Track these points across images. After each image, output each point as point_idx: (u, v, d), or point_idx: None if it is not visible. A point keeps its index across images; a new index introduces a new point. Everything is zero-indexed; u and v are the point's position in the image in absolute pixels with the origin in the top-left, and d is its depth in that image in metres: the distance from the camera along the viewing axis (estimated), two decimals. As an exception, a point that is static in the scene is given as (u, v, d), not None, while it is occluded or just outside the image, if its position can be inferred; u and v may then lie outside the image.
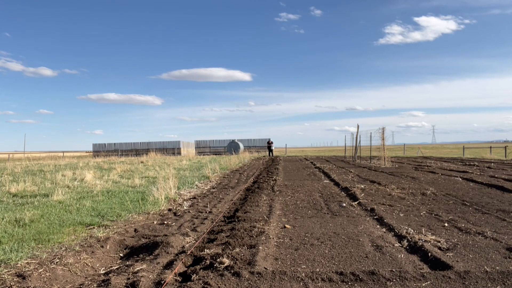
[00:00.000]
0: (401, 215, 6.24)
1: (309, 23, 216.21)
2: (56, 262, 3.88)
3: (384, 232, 5.08)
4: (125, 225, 5.76)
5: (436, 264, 3.73)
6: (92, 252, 4.33)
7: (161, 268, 3.78)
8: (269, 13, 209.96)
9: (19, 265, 3.80)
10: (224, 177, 14.08)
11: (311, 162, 23.02)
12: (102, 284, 3.41)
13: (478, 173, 13.25)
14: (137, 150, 48.09)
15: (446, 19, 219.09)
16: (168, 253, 4.26)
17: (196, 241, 4.74)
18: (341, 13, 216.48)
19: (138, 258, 4.19)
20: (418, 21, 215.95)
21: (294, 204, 7.48)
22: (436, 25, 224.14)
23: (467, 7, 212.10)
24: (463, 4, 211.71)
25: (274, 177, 12.94)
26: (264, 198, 8.09)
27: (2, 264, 3.80)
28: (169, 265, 3.85)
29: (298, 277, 3.38)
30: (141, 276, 3.45)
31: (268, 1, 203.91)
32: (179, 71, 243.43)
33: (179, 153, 46.46)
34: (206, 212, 6.88)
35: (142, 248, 4.58)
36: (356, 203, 7.37)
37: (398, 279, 3.31)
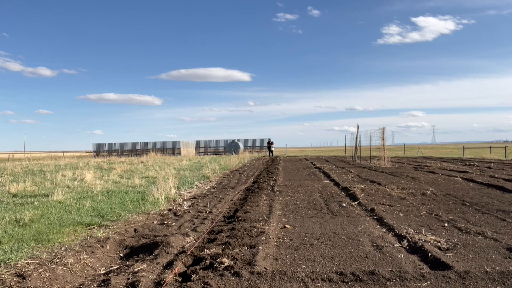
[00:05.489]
0: (401, 215, 6.24)
1: (307, 23, 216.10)
2: (56, 262, 3.88)
3: (384, 232, 5.09)
4: (125, 225, 5.76)
5: (436, 264, 3.73)
6: (92, 252, 4.33)
7: (161, 268, 3.78)
8: (267, 13, 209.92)
9: (19, 265, 3.80)
10: (224, 177, 14.08)
11: (311, 162, 23.02)
12: (102, 284, 3.41)
13: (478, 173, 13.25)
14: (137, 150, 48.09)
15: (444, 19, 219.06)
16: (168, 253, 4.26)
17: (196, 241, 4.74)
18: (339, 14, 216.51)
19: (138, 258, 4.19)
20: (416, 21, 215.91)
21: (294, 204, 7.48)
22: (434, 25, 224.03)
23: (463, 8, 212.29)
24: (459, 5, 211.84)
25: (274, 177, 12.94)
26: (264, 198, 8.08)
27: (2, 264, 3.80)
28: (169, 265, 3.85)
29: (298, 277, 3.38)
30: (141, 276, 3.45)
31: (266, 1, 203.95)
32: (178, 71, 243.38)
33: (179, 153, 46.46)
34: (206, 212, 6.88)
35: (142, 248, 4.58)
36: (356, 203, 7.37)
37: (398, 279, 3.31)
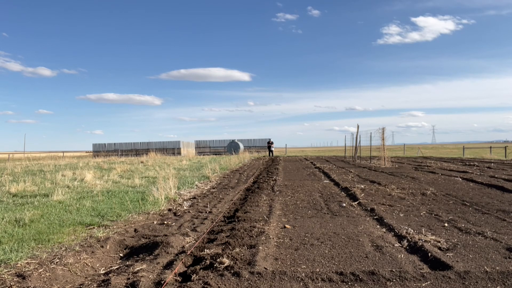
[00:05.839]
0: (401, 215, 6.24)
1: (307, 24, 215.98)
2: (56, 262, 3.88)
3: (384, 232, 5.09)
4: (125, 225, 5.76)
5: (436, 264, 3.73)
6: (92, 252, 4.33)
7: (161, 268, 3.78)
8: (267, 13, 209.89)
9: (19, 265, 3.80)
10: (224, 177, 14.08)
11: (311, 162, 23.02)
12: (102, 284, 3.41)
13: (478, 173, 13.25)
14: (137, 150, 48.10)
15: (444, 19, 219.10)
16: (168, 253, 4.26)
17: (196, 241, 4.74)
18: (339, 14, 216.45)
19: (138, 258, 4.19)
20: (416, 21, 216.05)
21: (294, 204, 7.48)
22: (434, 25, 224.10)
23: (463, 8, 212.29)
24: (459, 5, 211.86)
25: (274, 177, 12.94)
26: (264, 198, 8.09)
27: (2, 264, 3.80)
28: (169, 265, 3.85)
29: (298, 277, 3.38)
30: (141, 276, 3.45)
31: (266, 1, 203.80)
32: (177, 71, 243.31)
33: (179, 153, 46.46)
34: (206, 212, 6.88)
35: (142, 248, 4.58)
36: (356, 203, 7.37)
37: (398, 279, 3.31)
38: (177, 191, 9.28)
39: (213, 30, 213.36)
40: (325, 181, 11.78)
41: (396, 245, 4.47)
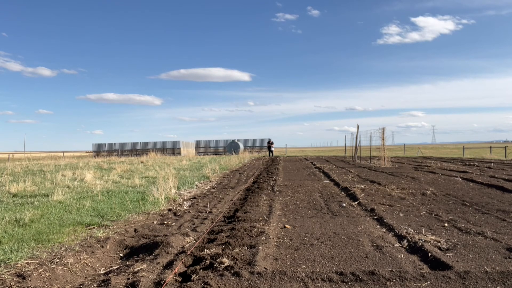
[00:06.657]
0: (401, 215, 6.24)
1: (307, 24, 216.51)
2: (56, 262, 3.88)
3: (384, 232, 5.09)
4: (125, 225, 5.76)
5: (436, 264, 3.73)
6: (92, 252, 4.33)
7: (161, 268, 3.78)
8: (267, 13, 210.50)
9: (19, 265, 3.80)
10: (224, 177, 14.08)
11: (311, 162, 23.02)
12: (102, 284, 3.41)
13: (478, 173, 13.25)
14: (137, 150, 48.11)
15: (444, 19, 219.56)
16: (168, 253, 4.26)
17: (196, 241, 4.74)
18: (339, 14, 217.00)
19: (138, 258, 4.19)
20: (416, 21, 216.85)
21: (294, 204, 7.48)
22: (434, 26, 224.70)
23: (463, 8, 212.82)
24: (459, 5, 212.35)
25: (274, 177, 12.94)
26: (264, 198, 8.08)
27: (2, 264, 3.80)
28: (169, 265, 3.85)
29: (298, 277, 3.38)
30: (141, 276, 3.45)
31: (265, 1, 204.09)
32: (177, 71, 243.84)
33: (179, 153, 46.46)
34: (206, 212, 6.88)
35: (142, 248, 4.57)
36: (356, 203, 7.37)
37: (398, 279, 3.31)
38: (177, 191, 9.28)
39: (213, 30, 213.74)
40: (325, 181, 11.78)
41: (396, 245, 4.47)
